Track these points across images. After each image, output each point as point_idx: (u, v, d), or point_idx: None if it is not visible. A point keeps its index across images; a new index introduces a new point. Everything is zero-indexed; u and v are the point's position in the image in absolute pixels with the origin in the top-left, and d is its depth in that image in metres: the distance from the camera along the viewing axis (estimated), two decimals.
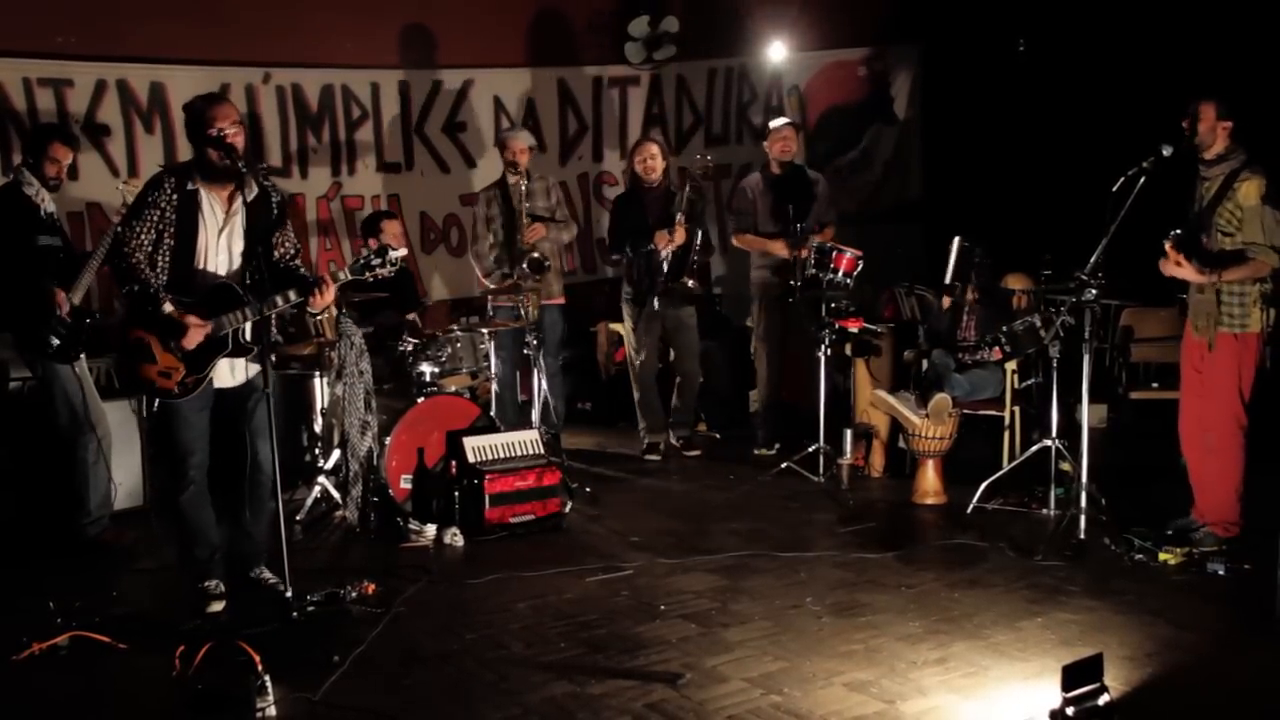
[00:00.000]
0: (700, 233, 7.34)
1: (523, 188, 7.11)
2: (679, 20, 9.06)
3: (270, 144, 7.81)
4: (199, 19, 7.40)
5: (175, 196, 4.55)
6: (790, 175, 7.56)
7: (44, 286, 5.44)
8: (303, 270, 4.86)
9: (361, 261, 4.73)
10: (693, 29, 9.22)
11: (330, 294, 4.67)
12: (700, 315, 7.67)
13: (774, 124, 7.68)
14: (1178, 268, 5.28)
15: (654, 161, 7.43)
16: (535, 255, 7.00)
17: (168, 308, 4.52)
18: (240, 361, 4.75)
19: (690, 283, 7.34)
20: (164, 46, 7.31)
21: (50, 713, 3.97)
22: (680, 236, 7.25)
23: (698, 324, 7.62)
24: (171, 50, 7.34)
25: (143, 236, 4.53)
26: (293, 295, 4.62)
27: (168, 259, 4.56)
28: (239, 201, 4.65)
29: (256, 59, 7.69)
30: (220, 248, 4.65)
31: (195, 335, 4.54)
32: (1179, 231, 5.28)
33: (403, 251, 4.89)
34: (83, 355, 5.60)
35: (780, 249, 7.33)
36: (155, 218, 4.54)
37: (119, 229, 4.67)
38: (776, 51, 9.39)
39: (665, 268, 7.30)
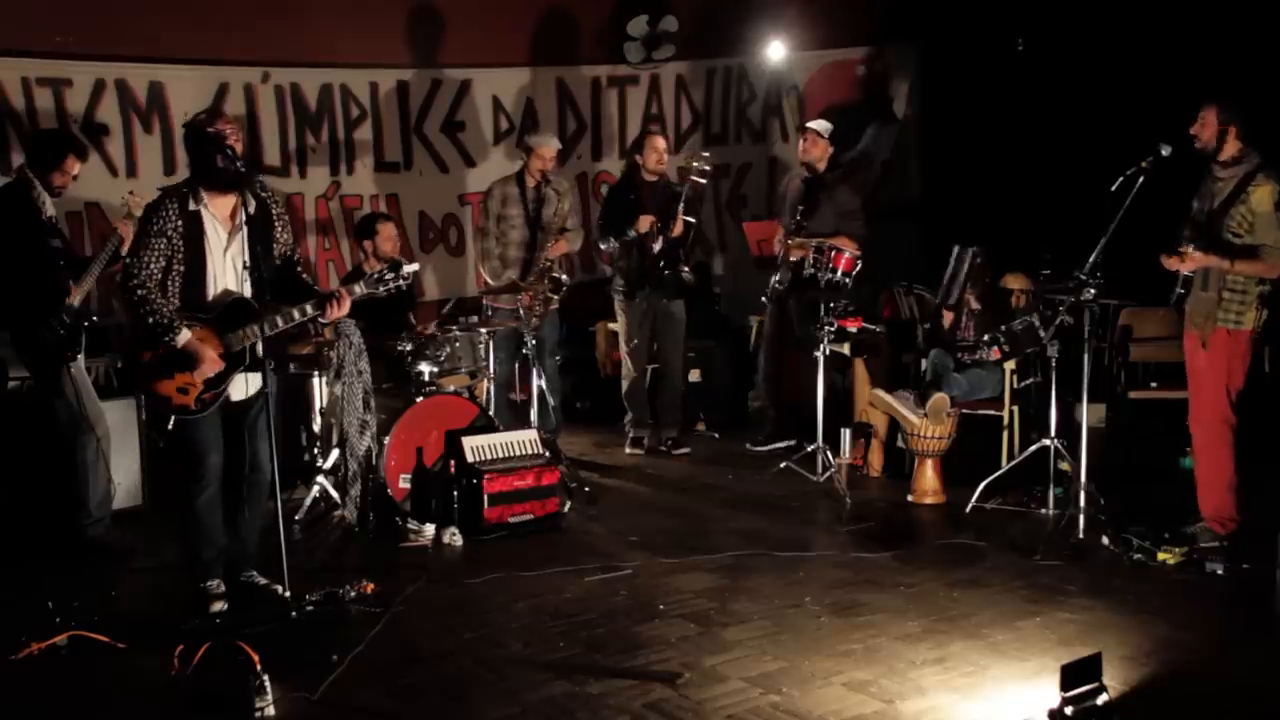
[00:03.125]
0: (694, 227, 7.32)
1: (555, 198, 7.07)
2: (678, 20, 9.05)
3: (269, 144, 7.79)
4: (198, 19, 7.39)
5: (180, 222, 4.52)
6: (814, 180, 7.43)
7: (51, 279, 5.43)
8: (300, 263, 4.89)
9: (376, 276, 4.82)
10: (692, 29, 9.21)
11: (345, 306, 4.70)
12: (700, 315, 7.64)
13: (814, 125, 7.50)
14: (1185, 262, 5.28)
15: (660, 155, 7.43)
16: (557, 275, 6.99)
17: (184, 336, 4.49)
18: (254, 374, 4.74)
19: (685, 271, 7.34)
20: (163, 46, 7.30)
21: (49, 712, 3.98)
22: (678, 229, 7.25)
23: (698, 324, 7.58)
24: (170, 50, 7.32)
25: (152, 266, 4.50)
26: (309, 309, 4.66)
27: (178, 284, 4.56)
28: (240, 218, 4.63)
29: (255, 58, 7.66)
30: (226, 267, 4.64)
31: (210, 369, 4.54)
32: (1188, 235, 5.31)
33: (415, 266, 5.04)
34: (80, 355, 5.59)
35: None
36: (162, 245, 4.51)
37: (126, 259, 4.65)
38: (775, 51, 9.36)
39: (659, 258, 7.26)
